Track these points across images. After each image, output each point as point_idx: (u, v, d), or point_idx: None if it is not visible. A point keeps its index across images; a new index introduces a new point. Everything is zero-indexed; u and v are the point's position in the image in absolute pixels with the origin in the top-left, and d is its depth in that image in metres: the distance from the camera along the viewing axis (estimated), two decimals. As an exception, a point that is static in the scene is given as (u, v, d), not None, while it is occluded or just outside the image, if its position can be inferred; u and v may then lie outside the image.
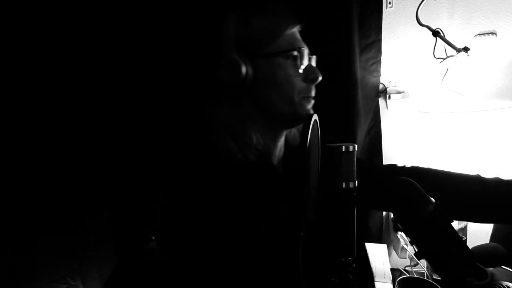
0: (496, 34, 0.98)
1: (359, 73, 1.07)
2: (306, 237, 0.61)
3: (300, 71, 0.58)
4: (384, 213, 1.16)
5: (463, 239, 0.77)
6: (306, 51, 0.58)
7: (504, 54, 0.99)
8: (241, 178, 0.55)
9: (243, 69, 0.54)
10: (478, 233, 0.99)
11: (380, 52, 1.08)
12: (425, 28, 0.96)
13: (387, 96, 1.11)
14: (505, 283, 0.45)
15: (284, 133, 0.66)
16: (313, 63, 0.62)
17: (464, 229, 0.94)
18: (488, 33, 0.98)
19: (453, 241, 0.48)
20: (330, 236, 0.50)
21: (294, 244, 0.60)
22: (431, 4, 1.01)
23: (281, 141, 0.66)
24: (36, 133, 0.97)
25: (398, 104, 1.11)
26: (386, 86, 1.12)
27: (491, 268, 0.47)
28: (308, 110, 0.60)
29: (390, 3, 1.07)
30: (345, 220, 0.49)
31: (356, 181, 0.50)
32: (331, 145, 0.50)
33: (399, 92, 1.10)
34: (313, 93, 0.61)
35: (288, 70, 0.57)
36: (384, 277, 0.94)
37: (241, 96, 0.58)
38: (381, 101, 1.13)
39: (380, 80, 1.12)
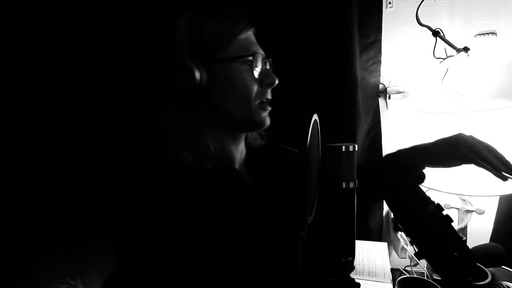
0: (496, 34, 0.98)
1: (359, 73, 1.07)
2: (306, 237, 0.61)
3: (256, 75, 0.56)
4: (384, 213, 1.16)
5: (463, 239, 0.76)
6: (260, 56, 0.57)
7: (504, 54, 0.99)
8: (203, 190, 0.53)
9: (197, 75, 0.53)
10: (478, 233, 1.00)
11: (380, 52, 1.08)
12: (425, 28, 0.96)
13: (387, 96, 1.11)
14: (505, 283, 0.45)
15: (243, 136, 0.65)
16: (269, 67, 0.61)
17: (464, 229, 0.94)
18: (488, 33, 0.98)
19: (453, 241, 0.48)
20: (330, 236, 0.50)
21: (294, 244, 0.60)
22: (431, 4, 1.01)
23: (242, 144, 0.65)
24: (36, 133, 0.97)
25: (398, 104, 1.11)
26: (386, 86, 1.12)
27: (491, 268, 0.47)
28: (264, 117, 0.59)
29: (390, 3, 1.07)
30: (345, 220, 0.49)
31: (356, 181, 0.50)
32: (331, 145, 0.50)
33: (399, 92, 1.10)
34: (269, 96, 0.60)
35: (244, 75, 0.56)
36: (384, 277, 0.94)
37: (197, 103, 0.56)
38: (381, 101, 1.13)
39: (380, 80, 1.12)
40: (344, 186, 0.49)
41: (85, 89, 0.99)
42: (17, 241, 0.98)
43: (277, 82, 0.59)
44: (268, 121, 0.61)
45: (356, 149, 0.49)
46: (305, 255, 0.60)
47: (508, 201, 0.96)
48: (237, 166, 0.64)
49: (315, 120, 0.57)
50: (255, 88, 0.57)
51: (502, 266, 0.52)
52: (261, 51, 0.59)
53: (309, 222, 0.57)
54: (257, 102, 0.58)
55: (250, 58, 0.56)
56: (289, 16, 1.06)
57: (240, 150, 0.65)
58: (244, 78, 0.56)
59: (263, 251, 0.57)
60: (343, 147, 0.48)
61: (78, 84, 0.98)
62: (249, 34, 0.59)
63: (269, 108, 0.61)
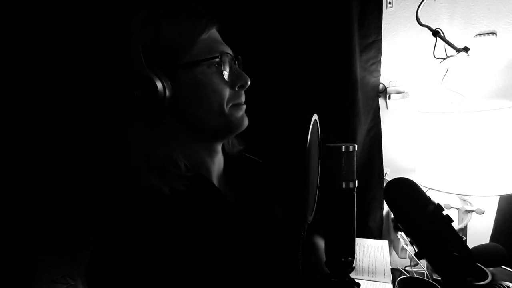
0: (496, 34, 0.98)
1: (359, 73, 1.07)
2: (307, 237, 0.61)
3: (226, 78, 0.51)
4: (384, 213, 1.16)
5: (463, 239, 0.76)
6: (228, 56, 0.51)
7: (504, 54, 0.99)
8: (177, 218, 0.46)
9: (159, 86, 0.46)
10: (478, 233, 1.00)
11: (380, 52, 1.08)
12: (425, 28, 0.96)
13: (387, 96, 1.11)
14: (505, 283, 0.45)
15: (220, 145, 0.59)
16: (239, 66, 0.55)
17: (464, 229, 0.94)
18: (488, 33, 0.98)
19: (453, 241, 0.48)
20: (330, 236, 0.50)
21: (294, 244, 0.60)
22: (431, 4, 1.01)
23: (219, 155, 0.59)
24: (36, 134, 0.97)
25: (398, 104, 1.11)
26: (386, 86, 1.12)
27: (491, 268, 0.47)
28: (240, 118, 0.54)
29: (390, 3, 1.07)
30: (344, 221, 0.49)
31: (356, 181, 0.50)
32: (331, 145, 0.50)
33: (399, 92, 1.10)
34: (243, 99, 0.55)
35: (213, 79, 0.50)
36: (384, 277, 0.94)
37: (162, 115, 0.50)
38: (381, 101, 1.13)
39: (380, 80, 1.12)
40: (344, 186, 0.48)
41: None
42: (17, 241, 0.98)
43: (249, 82, 0.54)
44: (246, 121, 0.55)
45: (356, 149, 0.49)
46: (305, 255, 0.60)
47: (508, 201, 0.96)
48: (215, 181, 0.58)
49: (315, 120, 0.57)
50: (227, 91, 0.51)
51: (502, 266, 0.52)
52: (229, 50, 0.53)
53: (309, 222, 0.57)
54: (230, 105, 0.52)
55: (217, 59, 0.50)
56: (257, 6, 1.01)
57: (217, 162, 0.59)
58: (213, 82, 0.50)
59: (255, 265, 0.55)
60: (343, 147, 0.48)
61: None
62: (213, 32, 0.53)
63: (244, 106, 0.55)
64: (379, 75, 1.11)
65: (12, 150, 0.95)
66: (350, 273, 0.50)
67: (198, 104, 0.50)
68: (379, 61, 1.10)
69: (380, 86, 1.12)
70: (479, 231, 1.01)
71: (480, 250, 0.58)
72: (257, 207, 0.61)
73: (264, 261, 0.57)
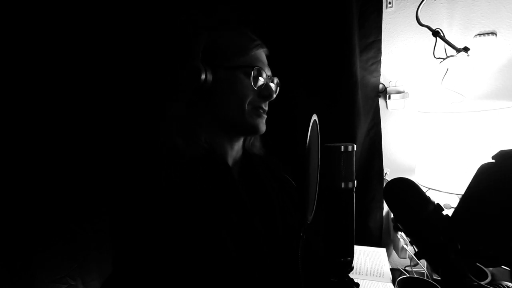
0: (496, 34, 0.98)
1: (359, 73, 1.07)
2: (306, 238, 0.61)
3: (255, 87, 0.60)
4: (384, 213, 1.16)
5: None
6: (264, 72, 0.62)
7: (504, 54, 0.99)
8: (191, 177, 0.55)
9: (202, 76, 0.57)
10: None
11: (380, 52, 1.08)
12: (425, 28, 0.96)
13: (387, 96, 1.11)
14: (505, 283, 0.45)
15: (241, 140, 0.69)
16: (273, 85, 0.65)
17: (464, 229, 0.94)
18: (488, 33, 0.98)
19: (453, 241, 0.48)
20: (329, 236, 0.50)
21: (294, 244, 0.60)
22: (431, 4, 1.01)
23: (238, 145, 0.68)
24: (36, 135, 0.97)
25: (398, 104, 1.11)
26: (386, 86, 1.12)
27: (491, 268, 0.47)
28: (256, 123, 0.62)
29: (390, 3, 1.07)
30: (344, 221, 0.49)
31: (355, 181, 0.50)
32: (330, 145, 0.50)
33: (399, 92, 1.10)
34: (265, 107, 0.64)
35: (245, 83, 0.60)
36: (384, 277, 0.94)
37: (197, 101, 0.60)
38: (381, 101, 1.13)
39: (380, 80, 1.12)
40: (343, 186, 0.48)
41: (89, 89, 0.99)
42: (17, 241, 0.98)
43: (274, 96, 0.63)
44: (263, 128, 0.64)
45: (355, 149, 0.49)
46: (305, 255, 0.60)
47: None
48: (229, 162, 0.66)
49: (315, 120, 0.57)
50: (251, 96, 0.61)
51: (502, 266, 0.52)
52: (267, 69, 0.64)
53: (309, 222, 0.57)
54: (250, 107, 0.61)
55: (253, 71, 0.60)
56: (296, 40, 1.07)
57: (235, 150, 0.67)
58: (244, 86, 0.60)
59: (255, 250, 0.57)
60: (342, 147, 0.48)
61: (80, 84, 0.99)
62: (261, 52, 0.64)
63: (265, 116, 0.64)
64: (379, 75, 1.11)
65: (13, 151, 0.95)
66: (349, 273, 0.50)
67: (226, 99, 0.60)
68: (379, 61, 1.10)
69: (380, 86, 1.12)
70: (479, 231, 1.00)
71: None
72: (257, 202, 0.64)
73: (269, 260, 0.57)
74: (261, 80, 0.61)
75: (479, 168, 0.43)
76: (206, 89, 0.58)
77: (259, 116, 0.63)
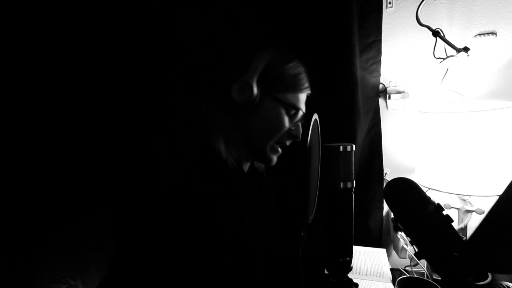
0: (496, 34, 0.98)
1: (359, 73, 1.07)
2: (306, 238, 0.61)
3: (287, 125, 0.63)
4: (384, 213, 1.16)
5: (463, 239, 0.76)
6: (301, 114, 0.65)
7: (504, 54, 0.99)
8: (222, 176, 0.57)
9: (254, 93, 0.58)
10: (478, 233, 0.99)
11: (380, 52, 1.08)
12: (425, 28, 0.96)
13: (387, 96, 1.11)
14: (505, 283, 0.45)
15: (251, 162, 0.72)
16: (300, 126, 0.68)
17: (464, 229, 0.94)
18: (488, 33, 0.98)
19: (453, 241, 0.48)
20: (328, 236, 0.50)
21: (295, 244, 0.60)
22: (431, 4, 1.01)
23: (248, 165, 0.71)
24: (37, 135, 0.97)
25: (398, 104, 1.11)
26: (386, 86, 1.12)
27: (491, 268, 0.47)
28: (273, 159, 0.65)
29: (390, 3, 1.07)
30: (343, 221, 0.49)
31: (354, 181, 0.49)
32: (329, 145, 0.50)
33: (399, 92, 1.10)
34: (287, 143, 0.67)
35: (282, 119, 0.62)
36: (384, 277, 0.94)
37: (244, 114, 0.61)
38: (381, 101, 1.13)
39: (380, 80, 1.12)
40: (341, 186, 0.48)
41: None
42: (17, 241, 0.98)
43: (299, 139, 0.66)
44: (274, 161, 0.67)
45: (354, 149, 0.49)
46: (305, 255, 0.60)
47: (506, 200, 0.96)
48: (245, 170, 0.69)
49: (316, 119, 0.57)
50: (281, 132, 0.63)
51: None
52: (303, 111, 0.66)
53: (309, 222, 0.57)
54: (275, 141, 0.63)
55: (293, 111, 0.62)
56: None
57: (248, 163, 0.72)
58: (280, 121, 0.62)
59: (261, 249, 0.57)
60: (341, 147, 0.48)
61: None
62: (304, 94, 0.67)
63: (280, 151, 0.67)
64: (379, 75, 1.11)
65: (14, 151, 0.95)
66: (348, 273, 0.50)
67: (257, 125, 0.62)
68: (379, 61, 1.09)
69: (380, 86, 1.12)
70: (479, 231, 1.00)
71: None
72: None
73: (269, 260, 0.57)
74: (294, 121, 0.64)
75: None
76: (248, 110, 0.59)
77: (277, 152, 0.66)
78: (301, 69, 0.65)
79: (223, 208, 0.55)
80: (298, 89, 0.63)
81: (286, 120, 0.62)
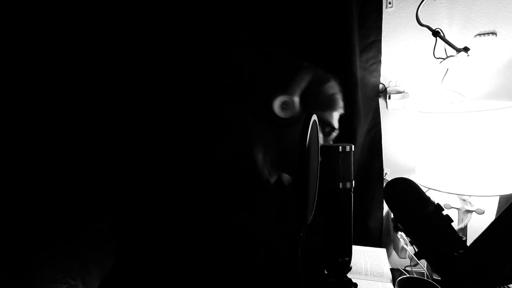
0: (496, 34, 0.98)
1: (359, 73, 1.06)
2: (306, 238, 0.61)
3: (321, 143, 0.62)
4: (384, 213, 1.16)
5: (463, 239, 0.76)
6: (335, 133, 0.67)
7: (504, 54, 0.99)
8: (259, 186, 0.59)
9: (296, 110, 0.59)
10: (478, 233, 0.99)
11: (380, 52, 1.08)
12: (425, 28, 0.96)
13: (387, 96, 1.11)
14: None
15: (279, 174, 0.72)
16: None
17: (464, 229, 0.94)
18: (488, 33, 0.98)
19: (453, 241, 0.48)
20: (327, 236, 0.50)
21: (295, 244, 0.60)
22: (431, 4, 1.01)
23: (275, 177, 0.72)
24: (37, 135, 0.97)
25: (398, 104, 1.11)
26: (386, 86, 1.12)
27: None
28: (267, 182, 0.65)
29: (390, 3, 1.07)
30: (342, 221, 0.49)
31: (353, 181, 0.49)
32: (328, 145, 0.50)
33: (399, 92, 1.10)
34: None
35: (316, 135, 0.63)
36: (384, 277, 0.94)
37: (282, 129, 0.61)
38: (381, 101, 1.13)
39: (380, 80, 1.12)
40: (341, 186, 0.48)
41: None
42: (17, 241, 0.98)
43: None
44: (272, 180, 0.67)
45: (353, 149, 0.49)
46: (305, 255, 0.60)
47: (508, 201, 0.96)
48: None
49: (315, 120, 0.57)
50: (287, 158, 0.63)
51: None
52: (338, 129, 0.69)
53: (309, 222, 0.57)
54: (275, 168, 0.64)
55: (328, 129, 0.65)
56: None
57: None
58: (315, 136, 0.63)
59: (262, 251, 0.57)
60: (340, 147, 0.48)
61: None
62: (338, 112, 0.69)
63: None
64: (379, 75, 1.11)
65: (14, 151, 0.95)
66: (347, 273, 0.50)
67: (296, 141, 0.60)
68: (379, 61, 1.09)
69: (380, 86, 1.12)
70: (479, 231, 1.00)
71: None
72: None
73: (269, 261, 0.58)
74: (329, 138, 0.66)
75: None
76: (286, 122, 0.59)
77: (274, 178, 0.67)
78: (337, 89, 0.67)
79: (238, 215, 0.55)
80: (333, 108, 0.66)
81: (321, 137, 0.62)
